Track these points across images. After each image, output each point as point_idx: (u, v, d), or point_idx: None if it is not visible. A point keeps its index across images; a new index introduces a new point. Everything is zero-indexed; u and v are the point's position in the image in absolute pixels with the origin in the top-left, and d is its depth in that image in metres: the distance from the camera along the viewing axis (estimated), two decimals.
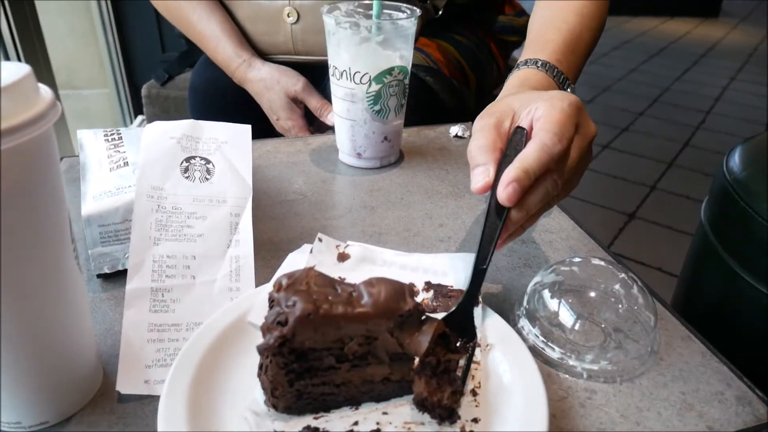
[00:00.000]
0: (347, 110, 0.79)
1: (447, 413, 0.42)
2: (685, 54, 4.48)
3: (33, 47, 1.94)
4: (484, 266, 0.51)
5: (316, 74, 1.02)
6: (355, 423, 0.43)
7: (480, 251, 0.51)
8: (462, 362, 0.46)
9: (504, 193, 0.49)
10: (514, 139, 0.54)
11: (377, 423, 0.43)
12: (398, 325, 0.42)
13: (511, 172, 0.49)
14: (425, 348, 0.42)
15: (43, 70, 1.98)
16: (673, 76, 3.93)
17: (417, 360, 0.43)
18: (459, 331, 0.48)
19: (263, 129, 1.00)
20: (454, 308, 0.51)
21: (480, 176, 0.52)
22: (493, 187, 0.51)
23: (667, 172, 2.63)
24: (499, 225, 0.51)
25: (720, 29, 5.30)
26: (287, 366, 0.42)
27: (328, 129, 0.98)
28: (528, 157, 0.50)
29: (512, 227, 0.52)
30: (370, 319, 0.41)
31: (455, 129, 0.96)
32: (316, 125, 1.05)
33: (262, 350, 0.41)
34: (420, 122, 0.98)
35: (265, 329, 0.41)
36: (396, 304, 0.41)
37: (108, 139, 0.68)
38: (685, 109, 3.38)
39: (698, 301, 0.97)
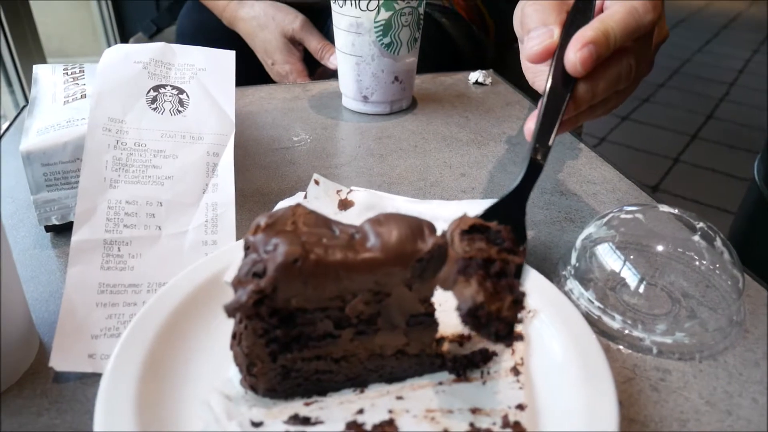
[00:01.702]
0: (352, 44, 0.68)
1: (506, 329, 0.30)
2: (705, 26, 4.30)
3: (18, 15, 1.81)
4: (548, 146, 0.39)
5: (320, 17, 0.90)
6: (360, 411, 0.32)
7: (539, 134, 0.39)
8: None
9: (577, 56, 0.38)
10: (579, 6, 0.42)
11: (390, 411, 0.32)
12: (418, 274, 0.31)
13: (587, 31, 0.38)
14: (455, 249, 0.31)
15: (29, 39, 1.85)
16: (693, 48, 3.77)
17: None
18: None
19: (257, 77, 0.88)
20: (495, 201, 0.38)
21: (540, 38, 0.40)
22: (557, 57, 0.40)
23: (690, 145, 2.49)
24: (564, 100, 0.39)
25: (741, 1, 5.11)
26: (267, 333, 0.31)
27: (331, 77, 0.86)
28: (611, 18, 0.39)
29: (573, 109, 0.40)
30: (379, 267, 0.30)
31: (475, 75, 0.84)
32: (317, 75, 0.93)
33: (231, 311, 0.30)
34: (434, 70, 0.86)
35: (237, 283, 0.30)
36: (413, 245, 0.30)
37: (67, 73, 0.57)
38: (708, 81, 3.23)
39: (756, 267, 0.85)
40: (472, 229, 0.32)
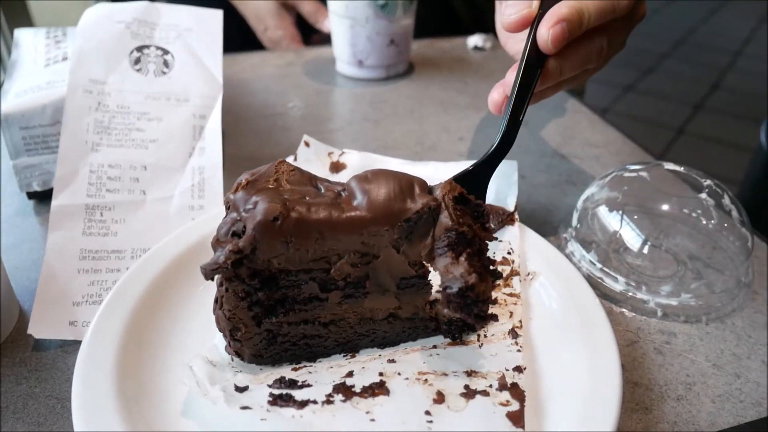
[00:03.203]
0: (346, 6, 0.65)
1: (487, 310, 0.28)
2: None
3: None
4: (521, 118, 0.38)
5: None
6: (350, 374, 0.31)
7: (512, 111, 0.38)
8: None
9: (549, 32, 0.36)
10: None
11: (380, 374, 0.30)
12: (407, 235, 0.29)
13: (563, 9, 0.37)
14: (451, 216, 0.29)
15: (19, 12, 1.80)
16: (697, 18, 3.70)
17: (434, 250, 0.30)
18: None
19: (248, 46, 0.86)
20: (469, 167, 0.38)
21: (518, 7, 0.39)
22: (531, 35, 0.38)
23: (696, 115, 2.45)
24: (536, 75, 0.38)
25: None
26: (249, 296, 0.29)
27: (327, 43, 0.84)
28: None
29: (540, 84, 0.39)
30: (366, 226, 0.28)
31: (474, 40, 0.81)
32: (313, 41, 0.90)
33: (209, 272, 0.28)
34: (431, 35, 0.84)
35: (215, 243, 0.28)
36: (401, 204, 0.28)
37: (49, 36, 0.54)
38: (713, 50, 3.17)
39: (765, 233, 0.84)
40: (460, 198, 0.31)
